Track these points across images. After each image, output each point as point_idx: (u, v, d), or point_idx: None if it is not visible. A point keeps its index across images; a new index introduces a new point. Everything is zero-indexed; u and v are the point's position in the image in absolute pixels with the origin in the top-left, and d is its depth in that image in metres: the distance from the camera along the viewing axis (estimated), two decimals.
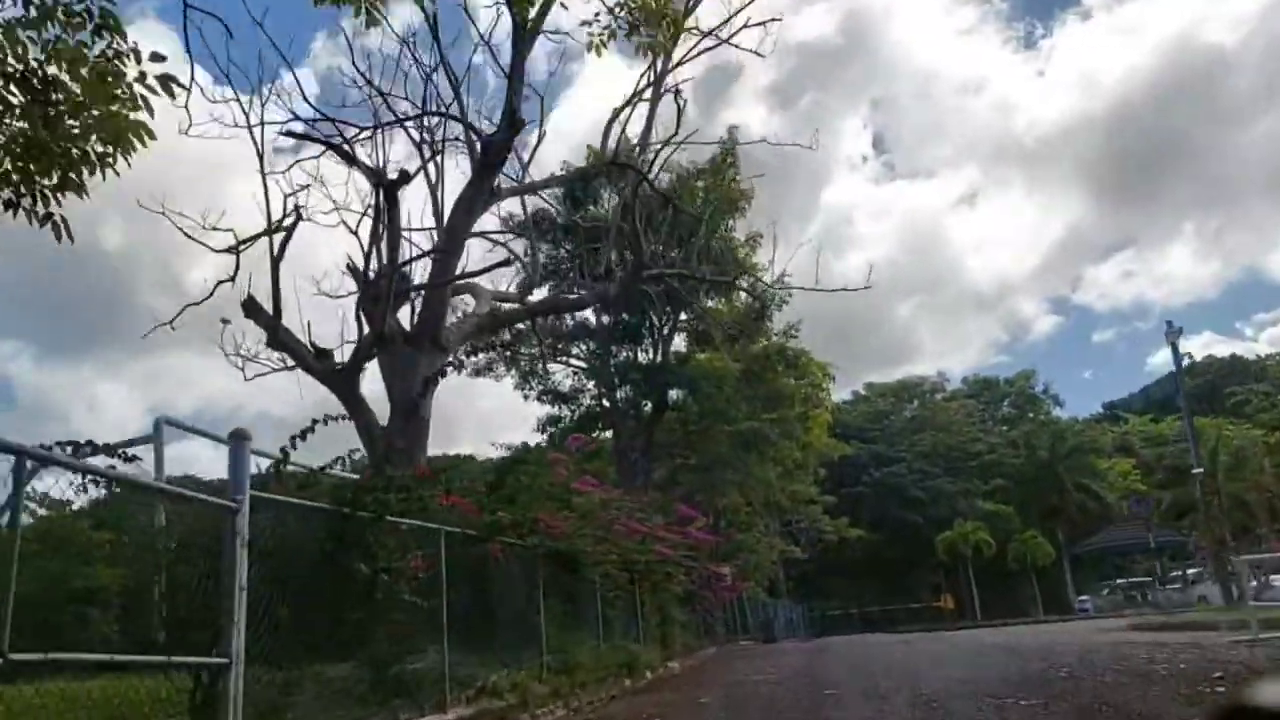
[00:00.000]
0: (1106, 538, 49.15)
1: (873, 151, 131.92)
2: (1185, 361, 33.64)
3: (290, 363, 12.88)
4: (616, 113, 17.97)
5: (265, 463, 6.27)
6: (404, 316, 13.55)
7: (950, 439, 65.64)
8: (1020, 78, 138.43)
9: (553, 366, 31.53)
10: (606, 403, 30.37)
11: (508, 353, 30.73)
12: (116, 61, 6.07)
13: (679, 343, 32.18)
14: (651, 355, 30.80)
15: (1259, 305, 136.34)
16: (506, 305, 15.11)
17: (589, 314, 30.97)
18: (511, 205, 20.83)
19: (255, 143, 12.86)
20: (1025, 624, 35.76)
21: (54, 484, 4.49)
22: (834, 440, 47.76)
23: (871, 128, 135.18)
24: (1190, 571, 43.50)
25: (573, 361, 30.98)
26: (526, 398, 31.35)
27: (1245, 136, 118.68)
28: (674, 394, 31.32)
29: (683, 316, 32.10)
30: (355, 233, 14.29)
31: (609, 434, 30.33)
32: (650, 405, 30.67)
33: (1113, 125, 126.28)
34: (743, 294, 31.40)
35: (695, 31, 15.88)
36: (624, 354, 30.66)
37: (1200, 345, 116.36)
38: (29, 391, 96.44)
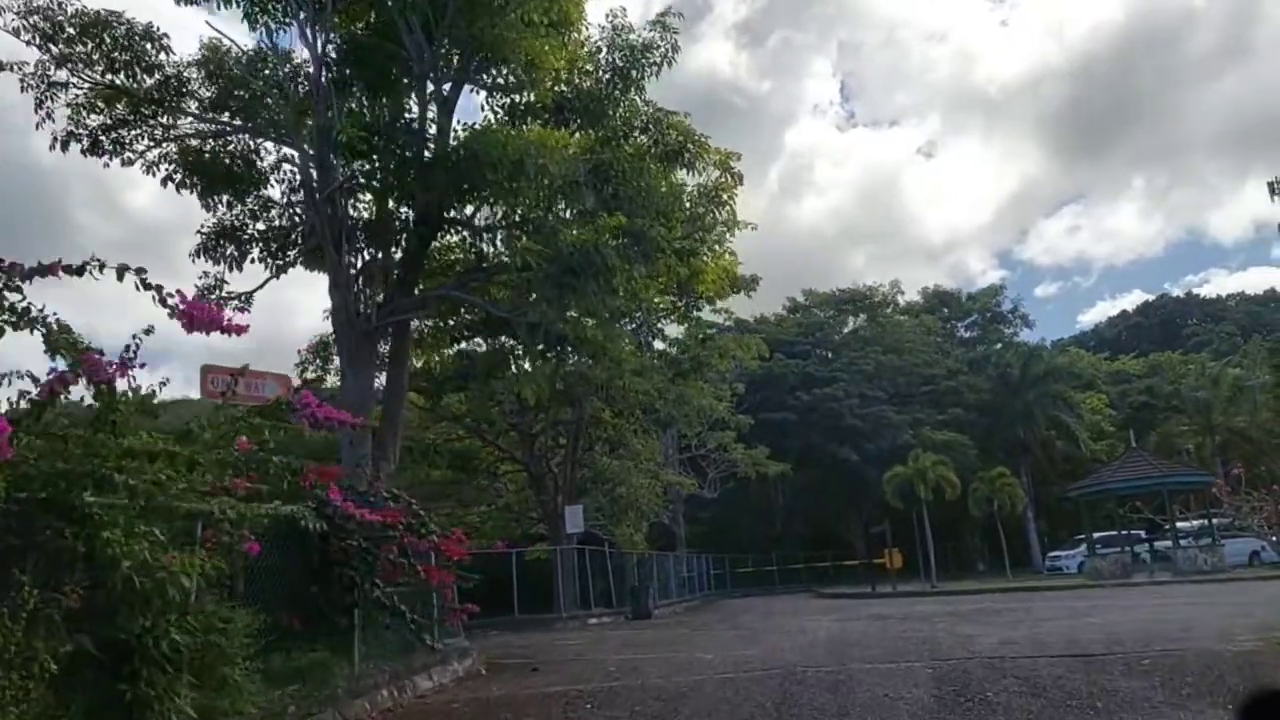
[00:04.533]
0: (1095, 480, 37.74)
1: (839, 98, 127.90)
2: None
3: None
4: None
5: None
6: None
7: (899, 360, 53.61)
8: (985, 27, 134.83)
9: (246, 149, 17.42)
10: (317, 199, 15.98)
11: (152, 114, 16.51)
12: None
13: (474, 111, 18.22)
14: (416, 119, 16.78)
15: (1194, 266, 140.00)
16: None
17: (296, 43, 16.81)
18: None
19: None
20: (1035, 591, 22.80)
21: None
22: (751, 337, 34.96)
23: (839, 75, 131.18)
24: (1217, 522, 32.44)
25: (263, 138, 16.69)
26: (192, 191, 17.08)
27: (1203, 96, 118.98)
28: (465, 209, 17.55)
29: (489, 80, 18.19)
30: None
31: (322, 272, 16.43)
32: (411, 214, 16.86)
33: (1075, 78, 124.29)
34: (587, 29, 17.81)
35: None
36: (365, 117, 16.42)
37: (1129, 303, 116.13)
38: None
